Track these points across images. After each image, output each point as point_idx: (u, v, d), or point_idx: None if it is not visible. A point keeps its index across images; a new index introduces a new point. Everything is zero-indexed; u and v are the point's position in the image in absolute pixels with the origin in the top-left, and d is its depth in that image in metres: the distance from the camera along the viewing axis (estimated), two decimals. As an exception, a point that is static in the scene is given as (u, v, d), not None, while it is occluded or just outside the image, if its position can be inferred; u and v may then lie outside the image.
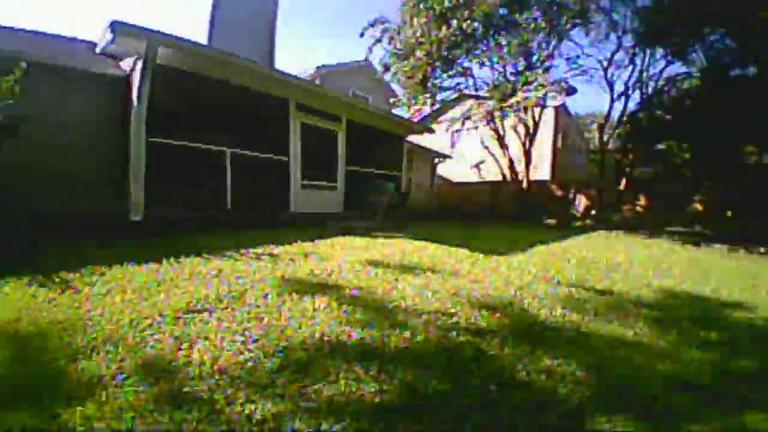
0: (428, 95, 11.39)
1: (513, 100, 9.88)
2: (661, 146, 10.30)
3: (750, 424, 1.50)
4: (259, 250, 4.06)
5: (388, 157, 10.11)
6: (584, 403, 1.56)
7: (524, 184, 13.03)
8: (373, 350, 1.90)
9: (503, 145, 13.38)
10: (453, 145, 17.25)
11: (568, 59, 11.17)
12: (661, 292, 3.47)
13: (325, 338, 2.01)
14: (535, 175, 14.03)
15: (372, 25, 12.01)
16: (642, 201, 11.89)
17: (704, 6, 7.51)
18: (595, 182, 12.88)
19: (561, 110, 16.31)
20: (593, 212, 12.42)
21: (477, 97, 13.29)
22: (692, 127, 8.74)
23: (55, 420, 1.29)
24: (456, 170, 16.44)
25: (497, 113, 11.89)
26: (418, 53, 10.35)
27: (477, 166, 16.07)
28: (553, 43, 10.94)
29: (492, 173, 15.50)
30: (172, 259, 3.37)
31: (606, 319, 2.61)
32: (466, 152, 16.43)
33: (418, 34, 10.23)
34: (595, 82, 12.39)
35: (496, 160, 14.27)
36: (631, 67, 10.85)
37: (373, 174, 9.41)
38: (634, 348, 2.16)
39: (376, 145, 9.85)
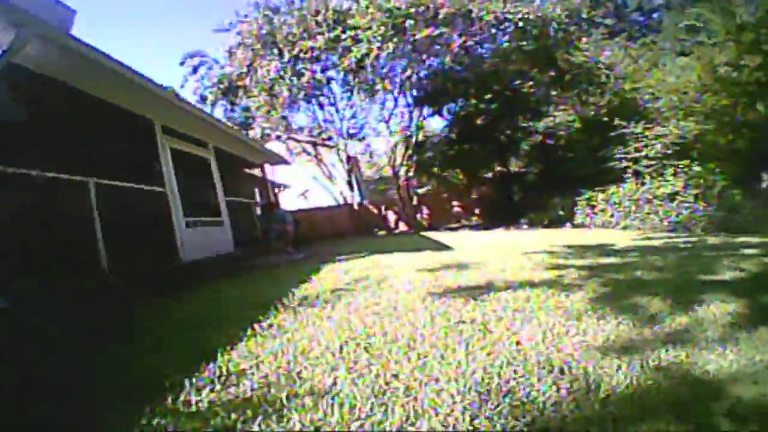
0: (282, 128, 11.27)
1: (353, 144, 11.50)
2: (443, 172, 14.60)
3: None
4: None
5: (256, 187, 8.88)
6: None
7: (355, 206, 14.65)
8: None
9: (331, 179, 14.64)
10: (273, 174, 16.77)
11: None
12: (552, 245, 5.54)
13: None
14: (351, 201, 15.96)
15: (192, 57, 10.86)
16: (426, 211, 16.22)
17: (454, 85, 12.04)
18: (395, 201, 16.25)
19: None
20: (401, 222, 15.66)
21: (295, 140, 14.16)
22: (452, 159, 13.31)
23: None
24: (285, 199, 15.94)
25: (328, 150, 13.27)
26: (285, 92, 10.06)
27: (303, 194, 16.31)
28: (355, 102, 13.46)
29: (316, 200, 16.22)
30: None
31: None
32: (290, 182, 16.37)
33: (272, 75, 9.97)
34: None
35: (328, 189, 15.23)
36: (406, 120, 14.56)
37: (255, 204, 8.06)
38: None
39: (242, 174, 8.48)
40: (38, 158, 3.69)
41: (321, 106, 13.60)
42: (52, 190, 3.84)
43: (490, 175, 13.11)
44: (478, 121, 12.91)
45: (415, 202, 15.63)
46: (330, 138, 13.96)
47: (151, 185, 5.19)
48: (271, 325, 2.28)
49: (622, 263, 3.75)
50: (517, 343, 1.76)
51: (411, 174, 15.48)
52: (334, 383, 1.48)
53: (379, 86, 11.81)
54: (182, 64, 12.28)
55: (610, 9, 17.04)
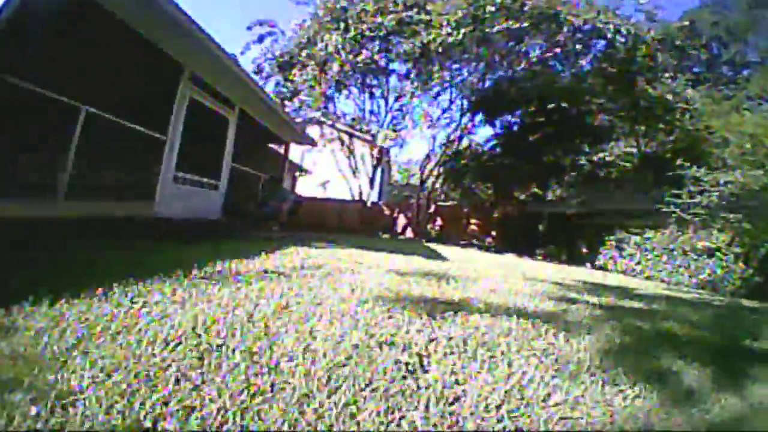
0: (323, 106, 10.64)
1: (384, 137, 10.72)
2: (472, 184, 13.43)
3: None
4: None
5: (272, 162, 8.44)
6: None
7: (368, 204, 14.02)
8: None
9: (354, 172, 14.06)
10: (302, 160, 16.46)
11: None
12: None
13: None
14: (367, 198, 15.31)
15: (261, 24, 10.39)
16: (439, 221, 15.26)
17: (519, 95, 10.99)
18: (410, 206, 15.42)
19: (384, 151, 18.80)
20: (409, 228, 14.85)
21: (333, 126, 13.60)
22: (490, 172, 12.10)
23: None
24: (304, 185, 15.61)
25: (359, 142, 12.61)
26: (336, 66, 9.45)
27: (324, 184, 15.89)
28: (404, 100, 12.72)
29: (335, 192, 15.77)
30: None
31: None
32: (314, 170, 15.99)
33: (330, 49, 9.37)
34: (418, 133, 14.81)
35: (347, 182, 14.72)
36: (454, 125, 13.47)
37: (263, 177, 7.59)
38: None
39: (262, 146, 8.07)
40: (36, 72, 3.35)
41: (372, 95, 12.86)
42: (38, 107, 3.52)
43: (523, 196, 11.87)
44: (531, 138, 11.60)
45: (431, 210, 14.70)
46: (370, 130, 13.09)
47: (152, 130, 4.80)
48: (138, 295, 1.64)
49: (646, 309, 2.84)
50: (457, 383, 1.01)
51: (439, 183, 14.43)
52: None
53: (437, 75, 10.56)
54: (249, 29, 11.23)
55: (700, 57, 15.04)
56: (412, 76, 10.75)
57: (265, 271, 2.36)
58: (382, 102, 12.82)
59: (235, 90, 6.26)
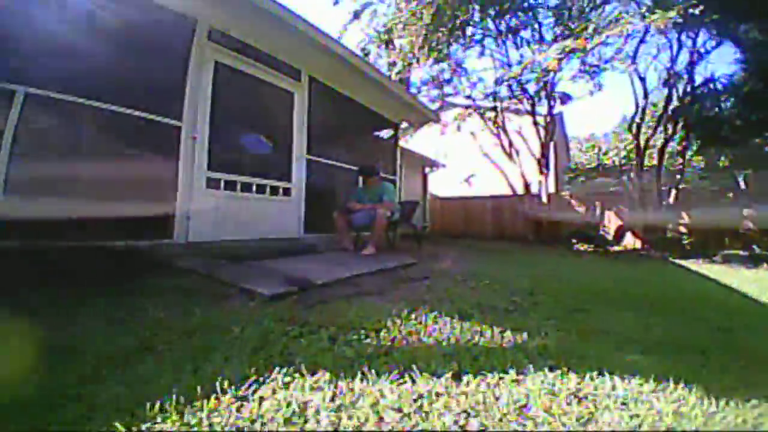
0: (440, 45, 7.83)
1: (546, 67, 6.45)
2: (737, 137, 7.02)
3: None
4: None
5: (375, 153, 6.11)
6: None
7: (543, 198, 9.56)
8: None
9: (509, 153, 9.97)
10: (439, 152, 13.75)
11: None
12: None
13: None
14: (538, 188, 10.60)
15: None
16: (686, 219, 8.72)
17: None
18: (621, 197, 9.67)
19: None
20: (628, 233, 9.14)
21: (470, 107, 10.05)
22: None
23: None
24: (441, 182, 12.68)
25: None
26: None
27: (468, 179, 12.54)
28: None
29: (483, 188, 12.04)
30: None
31: None
32: (452, 162, 12.86)
33: None
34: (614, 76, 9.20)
35: (502, 171, 10.85)
36: (673, 50, 7.92)
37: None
38: None
39: (356, 131, 5.91)
40: None
41: (516, 42, 9.09)
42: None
43: None
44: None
45: (671, 200, 8.56)
46: (525, 91, 9.10)
47: (154, 113, 3.27)
48: None
49: None
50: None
51: (671, 149, 8.46)
52: None
53: None
54: (336, 3, 9.35)
55: None
56: None
57: None
58: (534, 48, 8.41)
59: (291, 45, 4.20)
